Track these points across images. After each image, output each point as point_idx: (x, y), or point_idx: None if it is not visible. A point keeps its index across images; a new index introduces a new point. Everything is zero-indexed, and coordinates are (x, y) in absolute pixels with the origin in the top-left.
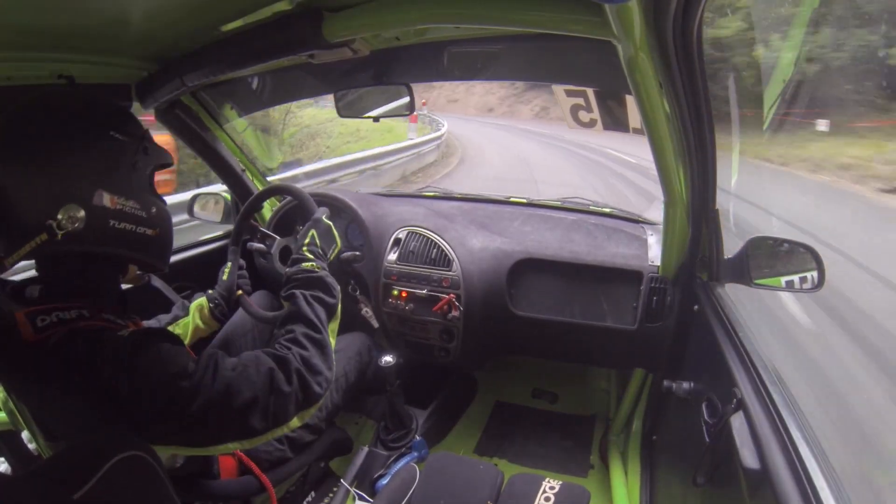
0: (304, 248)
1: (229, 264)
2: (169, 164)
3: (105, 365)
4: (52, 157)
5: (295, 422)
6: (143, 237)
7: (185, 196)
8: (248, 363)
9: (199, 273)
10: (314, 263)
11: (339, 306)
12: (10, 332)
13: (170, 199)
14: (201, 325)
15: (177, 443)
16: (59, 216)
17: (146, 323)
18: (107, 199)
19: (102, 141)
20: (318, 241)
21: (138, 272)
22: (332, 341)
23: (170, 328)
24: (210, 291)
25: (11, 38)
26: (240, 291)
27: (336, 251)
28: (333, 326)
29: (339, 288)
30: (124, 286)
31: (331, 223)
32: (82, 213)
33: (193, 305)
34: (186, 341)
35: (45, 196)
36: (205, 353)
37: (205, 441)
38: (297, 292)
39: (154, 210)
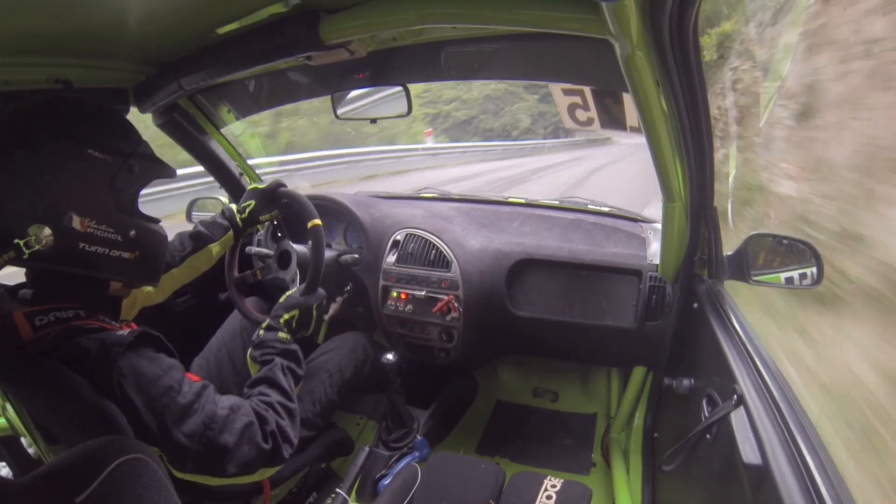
0: (282, 321)
1: (252, 202)
2: (171, 176)
3: (101, 363)
4: (24, 175)
5: (256, 476)
6: (117, 260)
7: None
8: (234, 408)
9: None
10: (287, 337)
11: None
12: (9, 332)
13: None
14: (221, 249)
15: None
16: (28, 235)
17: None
18: (76, 222)
19: (76, 160)
20: (294, 323)
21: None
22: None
23: (189, 258)
24: (227, 208)
25: (8, 43)
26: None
27: (301, 335)
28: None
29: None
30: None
31: (314, 315)
32: (48, 233)
33: (223, 239)
34: (214, 258)
35: (13, 213)
36: (199, 383)
37: (178, 463)
38: (277, 360)
39: (133, 233)
